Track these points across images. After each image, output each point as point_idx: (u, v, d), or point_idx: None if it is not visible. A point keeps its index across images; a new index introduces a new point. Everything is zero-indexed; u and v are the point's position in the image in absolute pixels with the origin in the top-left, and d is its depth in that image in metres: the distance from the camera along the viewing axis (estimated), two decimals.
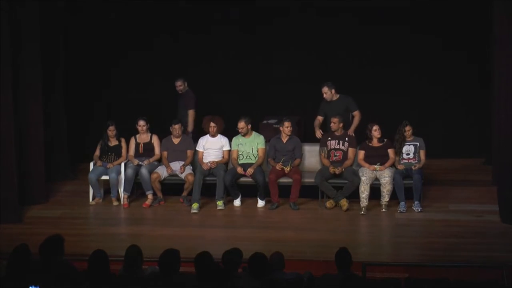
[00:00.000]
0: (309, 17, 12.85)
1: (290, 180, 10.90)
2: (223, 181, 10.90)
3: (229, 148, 11.25)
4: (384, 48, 12.79)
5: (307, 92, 12.50)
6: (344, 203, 10.66)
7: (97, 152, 11.34)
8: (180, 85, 11.96)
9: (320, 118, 11.38)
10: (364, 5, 12.55)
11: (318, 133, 11.25)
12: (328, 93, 11.20)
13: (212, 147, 11.22)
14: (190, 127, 11.83)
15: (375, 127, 10.85)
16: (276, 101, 12.96)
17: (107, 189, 11.31)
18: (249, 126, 11.18)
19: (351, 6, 12.55)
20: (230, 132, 11.49)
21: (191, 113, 11.88)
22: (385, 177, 10.59)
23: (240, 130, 11.15)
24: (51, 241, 6.75)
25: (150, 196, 11.09)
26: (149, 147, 11.38)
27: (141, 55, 13.17)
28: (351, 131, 11.09)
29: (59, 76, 12.12)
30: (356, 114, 11.21)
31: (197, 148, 11.29)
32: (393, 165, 10.80)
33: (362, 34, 12.77)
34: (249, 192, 11.08)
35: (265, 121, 12.38)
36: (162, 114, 12.40)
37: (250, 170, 10.89)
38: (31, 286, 6.23)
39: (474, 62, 12.49)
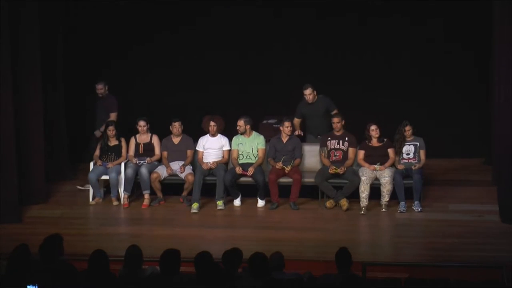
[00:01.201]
0: (309, 16, 12.85)
1: (290, 180, 10.90)
2: (223, 181, 10.90)
3: (229, 148, 11.26)
4: (384, 48, 12.79)
5: None
6: (344, 203, 10.66)
7: (97, 152, 11.35)
8: (101, 88, 11.83)
9: (298, 120, 11.48)
10: (364, 4, 12.57)
11: (298, 132, 11.32)
12: (312, 94, 11.26)
13: (212, 147, 11.22)
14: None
15: (372, 127, 10.86)
16: (276, 101, 12.96)
17: (107, 189, 11.32)
18: (248, 126, 11.17)
19: (351, 4, 12.56)
20: (230, 132, 11.49)
21: (114, 116, 11.72)
22: (385, 177, 10.59)
23: (238, 128, 11.15)
24: (50, 240, 6.75)
25: (147, 196, 11.09)
26: (149, 147, 11.38)
27: (140, 54, 13.18)
28: None
29: (59, 75, 12.12)
30: (336, 112, 11.23)
31: (197, 148, 11.30)
32: (393, 165, 10.81)
33: (362, 34, 12.77)
34: (249, 192, 11.08)
35: (265, 121, 12.38)
36: (162, 114, 12.40)
37: (251, 170, 10.89)
38: (30, 285, 6.23)
39: (475, 62, 12.49)
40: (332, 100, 11.34)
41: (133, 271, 6.68)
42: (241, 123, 11.13)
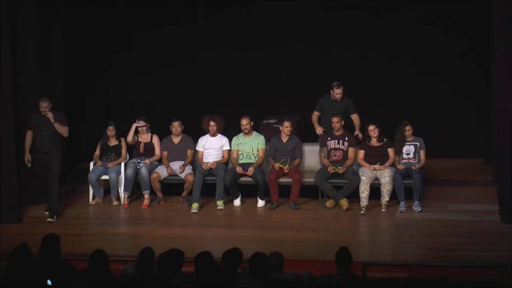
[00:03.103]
0: (309, 16, 12.85)
1: (290, 180, 10.90)
2: (223, 181, 10.90)
3: (229, 148, 11.26)
4: (385, 47, 12.79)
5: (307, 92, 12.51)
6: (344, 203, 10.66)
7: (97, 152, 11.35)
8: (46, 106, 10.66)
9: (317, 114, 11.38)
10: (364, 3, 12.58)
11: (320, 129, 11.24)
12: (342, 94, 11.20)
13: (212, 147, 11.22)
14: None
15: (371, 127, 10.86)
16: (276, 101, 12.97)
17: (107, 189, 11.32)
18: (252, 123, 11.18)
19: (352, 3, 12.57)
20: (230, 132, 11.49)
21: (66, 130, 10.86)
22: (385, 177, 10.59)
23: (244, 127, 11.10)
24: (46, 241, 6.76)
25: (147, 196, 11.09)
26: (149, 147, 11.39)
27: (140, 54, 13.19)
28: (358, 132, 11.12)
29: (60, 74, 12.11)
30: (355, 117, 11.23)
31: (197, 148, 11.30)
32: (393, 165, 10.81)
33: (362, 34, 12.79)
34: (249, 192, 11.08)
35: (265, 121, 12.38)
36: (162, 113, 12.40)
37: (251, 169, 10.89)
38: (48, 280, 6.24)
39: (476, 61, 12.50)
40: (353, 103, 11.32)
41: (146, 272, 6.66)
42: (246, 121, 11.10)
